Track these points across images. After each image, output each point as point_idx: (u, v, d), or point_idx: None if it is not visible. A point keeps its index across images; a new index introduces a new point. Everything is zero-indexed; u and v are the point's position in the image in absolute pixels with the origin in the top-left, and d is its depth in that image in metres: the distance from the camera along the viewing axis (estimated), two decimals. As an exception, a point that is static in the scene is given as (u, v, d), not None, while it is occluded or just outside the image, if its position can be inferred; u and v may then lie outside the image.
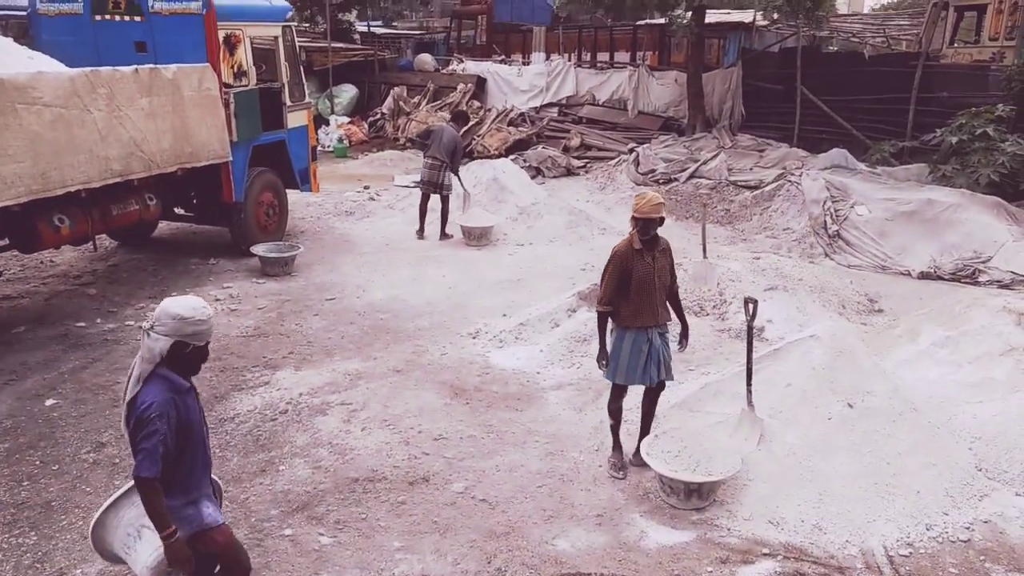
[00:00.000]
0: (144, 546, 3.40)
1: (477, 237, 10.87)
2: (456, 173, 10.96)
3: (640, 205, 5.13)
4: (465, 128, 17.43)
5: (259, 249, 9.55)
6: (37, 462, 5.48)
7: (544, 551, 4.67)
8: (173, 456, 3.26)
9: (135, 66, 7.89)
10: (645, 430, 5.57)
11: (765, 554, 4.67)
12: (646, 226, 5.14)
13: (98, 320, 7.95)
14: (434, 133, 11.01)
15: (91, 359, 7.08)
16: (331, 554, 4.61)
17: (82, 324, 7.83)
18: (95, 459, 5.53)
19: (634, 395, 6.11)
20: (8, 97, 6.52)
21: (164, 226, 10.86)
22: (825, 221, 10.99)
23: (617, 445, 5.57)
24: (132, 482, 3.36)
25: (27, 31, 9.74)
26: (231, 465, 5.50)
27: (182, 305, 3.28)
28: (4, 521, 4.83)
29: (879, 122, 15.37)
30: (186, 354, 3.32)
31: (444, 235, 11.13)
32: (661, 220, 5.16)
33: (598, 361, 5.44)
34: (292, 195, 10.89)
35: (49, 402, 6.30)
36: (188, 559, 3.32)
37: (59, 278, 9.18)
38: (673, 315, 5.47)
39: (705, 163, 13.79)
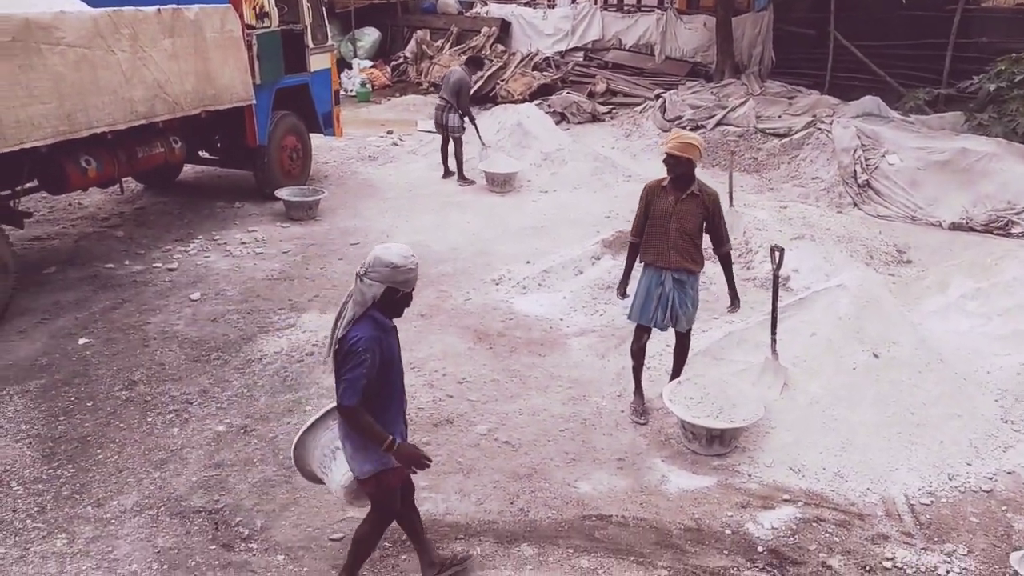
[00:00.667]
0: (339, 466, 3.64)
1: (500, 183, 10.80)
2: (465, 114, 10.81)
3: (668, 139, 5.14)
4: (488, 73, 17.20)
5: (283, 193, 9.57)
6: (72, 398, 5.62)
7: (566, 493, 4.75)
8: (374, 390, 3.42)
9: (157, 6, 7.82)
10: (675, 374, 5.59)
11: (785, 500, 4.72)
12: (669, 160, 5.11)
13: (126, 262, 8.04)
14: (445, 75, 11.07)
15: (121, 300, 7.19)
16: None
17: (111, 266, 7.93)
18: (127, 396, 5.66)
19: (659, 341, 6.13)
20: (33, 37, 6.50)
21: (189, 169, 10.89)
22: (855, 170, 10.78)
23: (639, 389, 5.61)
24: (327, 407, 3.65)
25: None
26: (259, 404, 5.60)
27: (394, 254, 3.40)
28: (43, 454, 4.98)
29: (914, 68, 14.94)
30: (396, 299, 3.47)
31: (461, 179, 11.07)
32: (688, 162, 5.07)
33: (617, 289, 5.57)
34: (315, 139, 10.86)
35: (82, 341, 6.43)
36: (416, 457, 3.52)
37: (87, 220, 9.27)
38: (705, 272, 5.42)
39: (733, 110, 13.51)
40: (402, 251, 3.43)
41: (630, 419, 5.49)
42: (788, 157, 11.93)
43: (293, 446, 3.74)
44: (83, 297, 7.22)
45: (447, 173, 11.26)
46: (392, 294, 3.43)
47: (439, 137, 11.38)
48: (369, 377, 3.36)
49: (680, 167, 5.10)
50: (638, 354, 5.52)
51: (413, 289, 3.53)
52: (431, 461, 3.60)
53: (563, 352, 6.47)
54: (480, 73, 11.38)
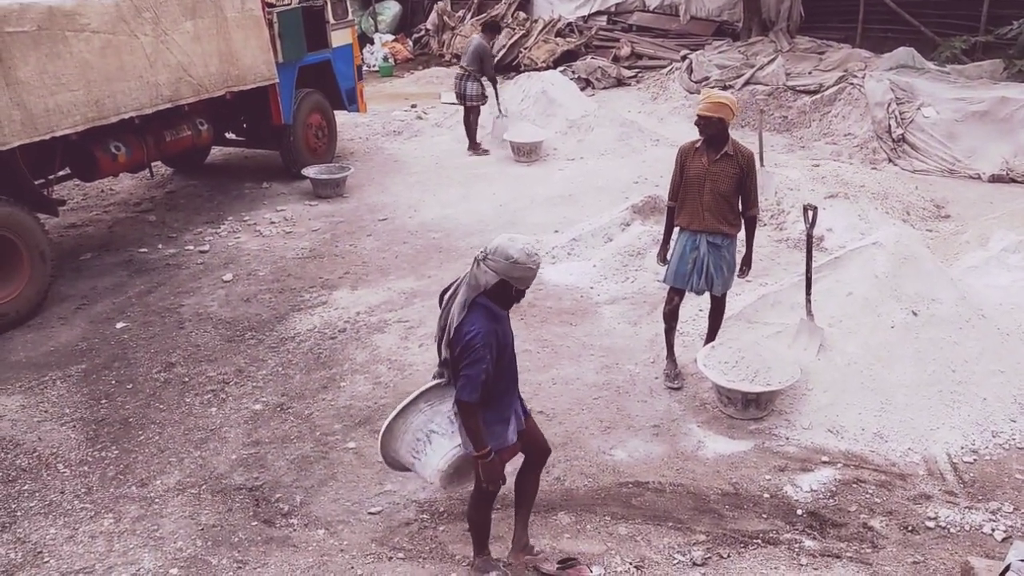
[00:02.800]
0: (435, 450, 3.58)
1: (526, 153, 10.71)
2: (491, 80, 10.71)
3: (700, 100, 5.06)
4: (511, 41, 17.01)
5: (310, 171, 9.59)
6: (113, 381, 5.73)
7: (602, 460, 4.75)
8: (492, 380, 3.39)
9: (178, -11, 7.82)
10: (709, 338, 5.54)
11: (824, 462, 4.67)
12: (700, 122, 5.05)
13: (159, 245, 8.15)
14: (465, 46, 11.00)
15: (155, 283, 7.30)
16: (394, 465, 4.75)
17: (144, 250, 8.04)
18: (166, 378, 5.76)
19: (692, 306, 6.07)
20: (57, 24, 6.55)
21: (216, 151, 10.96)
22: (889, 125, 10.50)
23: (671, 353, 5.56)
24: (418, 390, 3.58)
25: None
26: (294, 382, 5.67)
27: (518, 249, 3.31)
28: (87, 436, 5.09)
29: (950, 16, 14.44)
30: (508, 293, 3.40)
31: (472, 147, 11.02)
32: (720, 121, 4.98)
33: (657, 255, 5.53)
34: (340, 116, 10.84)
35: (119, 325, 6.54)
36: (500, 477, 3.52)
37: (120, 206, 9.40)
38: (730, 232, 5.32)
39: (761, 68, 13.21)
40: (527, 248, 3.33)
41: (664, 384, 5.46)
42: (819, 114, 11.67)
43: (381, 433, 3.63)
44: (119, 282, 7.34)
45: (472, 145, 11.21)
46: (505, 287, 3.35)
47: (463, 109, 11.30)
48: (488, 372, 3.33)
49: (712, 127, 5.01)
50: (670, 317, 5.46)
51: (527, 288, 3.44)
52: (500, 486, 3.59)
53: (595, 320, 6.44)
54: (498, 37, 11.25)
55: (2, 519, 4.37)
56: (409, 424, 3.61)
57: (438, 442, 3.57)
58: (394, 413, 3.61)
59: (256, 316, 6.63)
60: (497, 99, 11.01)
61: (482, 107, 11.01)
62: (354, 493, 4.54)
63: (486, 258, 3.31)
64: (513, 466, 3.85)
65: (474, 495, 3.74)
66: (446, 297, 3.47)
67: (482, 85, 10.74)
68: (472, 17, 19.18)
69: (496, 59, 17.01)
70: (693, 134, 5.20)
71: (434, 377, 3.63)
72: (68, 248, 8.10)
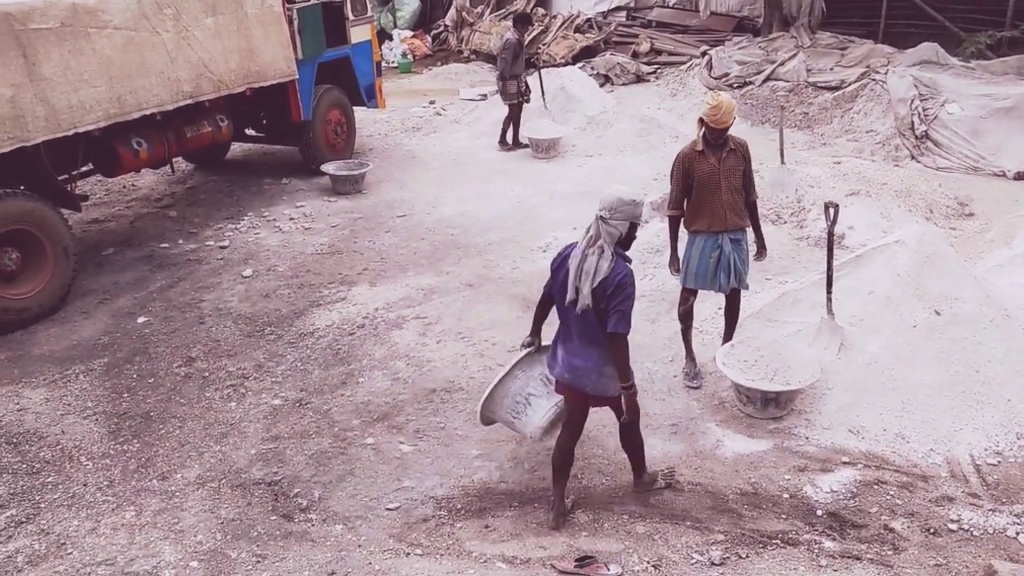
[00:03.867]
0: (534, 410, 4.27)
1: (545, 149, 10.69)
2: (510, 77, 10.63)
3: (708, 112, 4.93)
4: (530, 37, 16.96)
5: (329, 167, 9.63)
6: (134, 376, 5.79)
7: (619, 459, 4.72)
8: None
9: (199, -15, 7.86)
10: (727, 336, 5.50)
11: (845, 463, 4.63)
12: (712, 133, 4.98)
13: (180, 241, 8.21)
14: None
15: (176, 278, 7.35)
16: (412, 461, 4.77)
17: (166, 245, 8.10)
18: (187, 372, 5.80)
19: (711, 304, 6.04)
20: (81, 21, 6.61)
21: (237, 147, 11.03)
22: (912, 121, 10.38)
23: (690, 353, 5.53)
24: (514, 360, 4.36)
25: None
26: (313, 377, 5.70)
27: (629, 193, 3.83)
28: (109, 430, 5.15)
29: (975, 11, 14.23)
30: (632, 234, 3.90)
31: (502, 143, 10.96)
32: (728, 128, 4.98)
33: (669, 267, 5.41)
34: (359, 112, 10.87)
35: (141, 319, 6.60)
36: (638, 408, 4.00)
37: (141, 201, 9.48)
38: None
39: (782, 64, 13.09)
40: (629, 190, 3.87)
41: (683, 383, 5.43)
42: (841, 111, 11.55)
43: (482, 400, 4.33)
44: (140, 277, 7.40)
45: (514, 144, 11.03)
46: (633, 229, 3.87)
47: (482, 105, 11.28)
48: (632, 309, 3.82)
49: (723, 135, 4.99)
50: (686, 317, 5.44)
51: None
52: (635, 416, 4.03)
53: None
54: (531, 28, 11.03)
55: (27, 510, 4.43)
56: (508, 390, 4.30)
57: (536, 403, 4.25)
58: (495, 382, 4.28)
59: (275, 312, 6.66)
60: (536, 87, 10.83)
61: (524, 103, 10.85)
62: (372, 489, 4.56)
63: (612, 215, 3.77)
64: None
65: (626, 428, 4.21)
66: (570, 259, 3.88)
67: (518, 82, 10.65)
68: (491, 13, 19.15)
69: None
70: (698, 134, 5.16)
71: (523, 347, 4.35)
72: (91, 243, 8.18)
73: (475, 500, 4.43)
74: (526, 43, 16.64)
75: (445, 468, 4.71)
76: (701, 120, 5.00)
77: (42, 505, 4.47)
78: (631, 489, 4.46)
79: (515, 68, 10.64)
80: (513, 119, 10.88)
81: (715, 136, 4.99)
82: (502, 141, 11.02)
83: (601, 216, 3.79)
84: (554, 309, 4.11)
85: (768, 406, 5.00)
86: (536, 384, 4.27)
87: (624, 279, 3.76)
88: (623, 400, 3.92)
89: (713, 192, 5.07)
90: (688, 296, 5.39)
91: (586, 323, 3.87)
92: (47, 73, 6.37)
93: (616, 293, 3.74)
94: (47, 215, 6.67)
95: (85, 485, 4.64)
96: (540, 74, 10.89)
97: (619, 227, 3.79)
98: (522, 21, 11.33)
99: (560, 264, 3.97)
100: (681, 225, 5.29)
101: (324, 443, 4.98)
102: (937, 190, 8.65)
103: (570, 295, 3.85)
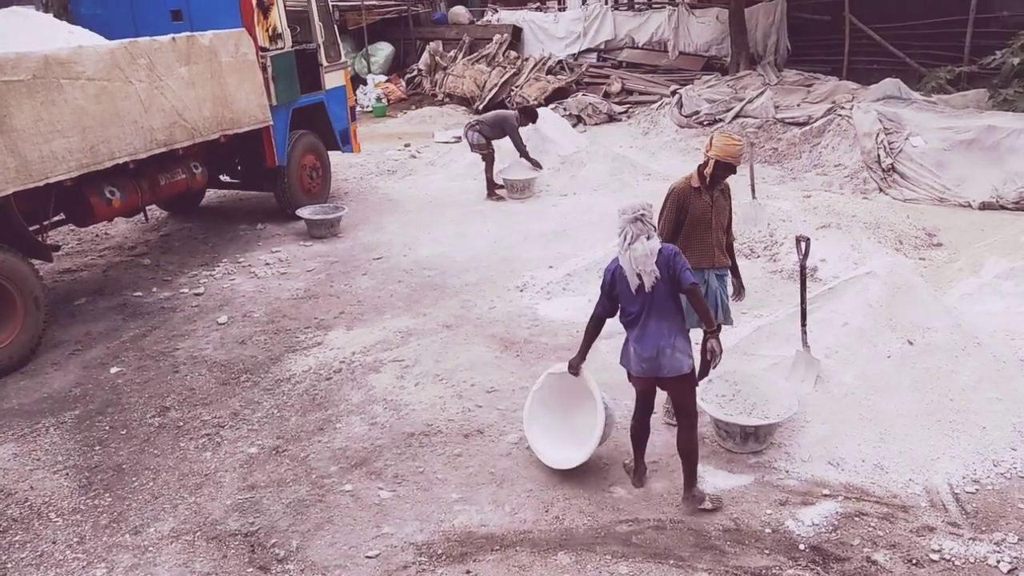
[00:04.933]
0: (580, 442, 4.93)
1: (520, 189, 10.78)
2: (492, 140, 10.69)
3: (725, 145, 4.91)
4: (503, 80, 17.23)
5: (305, 212, 9.63)
6: (106, 427, 5.68)
7: (601, 498, 4.70)
8: None
9: (172, 35, 7.92)
10: (703, 372, 5.50)
11: (825, 495, 4.62)
12: (726, 171, 4.96)
13: (154, 289, 8.14)
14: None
15: (150, 327, 7.27)
16: (391, 507, 4.70)
17: (139, 294, 8.03)
18: (160, 423, 5.71)
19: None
20: (53, 73, 6.61)
21: (212, 194, 11.02)
22: (878, 155, 10.62)
23: None
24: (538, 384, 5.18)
25: (67, 7, 9.82)
26: (290, 424, 5.62)
27: (639, 198, 4.62)
28: (80, 484, 5.03)
29: (934, 48, 14.70)
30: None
31: (491, 194, 10.88)
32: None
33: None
34: (334, 157, 10.92)
35: (114, 370, 6.50)
36: (722, 347, 4.46)
37: (114, 250, 9.41)
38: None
39: (751, 101, 13.39)
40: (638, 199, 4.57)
41: (664, 420, 5.41)
42: (809, 146, 11.80)
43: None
44: (113, 326, 7.31)
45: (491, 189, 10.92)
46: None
47: (456, 147, 11.35)
48: None
49: (731, 172, 5.01)
50: None
51: None
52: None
53: (591, 356, 6.38)
54: (531, 125, 10.85)
55: (-7, 571, 4.30)
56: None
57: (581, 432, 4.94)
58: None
59: (251, 358, 6.60)
60: (531, 162, 10.85)
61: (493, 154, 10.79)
62: (351, 537, 4.48)
63: (642, 214, 4.30)
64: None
65: (684, 430, 4.52)
66: (620, 263, 4.34)
67: (483, 136, 10.59)
68: (464, 56, 19.44)
69: (488, 98, 17.29)
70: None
71: (571, 369, 4.96)
72: (62, 293, 8.08)
73: (456, 545, 4.37)
74: (499, 84, 16.94)
75: (425, 513, 4.64)
76: (717, 160, 4.92)
77: (9, 565, 4.34)
78: (679, 502, 4.59)
79: (494, 132, 10.62)
80: (489, 166, 10.84)
81: (725, 174, 4.97)
82: (491, 193, 10.88)
83: (637, 216, 4.28)
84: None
85: (748, 440, 5.00)
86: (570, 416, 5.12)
87: (674, 249, 4.34)
88: (710, 343, 4.39)
89: (705, 230, 5.10)
90: None
91: (656, 300, 4.32)
92: (18, 125, 6.34)
93: (674, 258, 4.29)
94: (17, 266, 6.60)
95: (54, 543, 4.51)
96: (528, 157, 10.90)
97: (652, 219, 4.36)
98: (526, 115, 10.87)
99: (613, 275, 4.42)
100: None
101: (302, 491, 4.90)
102: (905, 221, 8.82)
103: (634, 282, 4.28)
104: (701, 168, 5.08)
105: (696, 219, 5.09)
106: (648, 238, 4.30)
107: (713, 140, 5.02)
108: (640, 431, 4.77)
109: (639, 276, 4.28)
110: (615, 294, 4.47)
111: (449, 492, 4.82)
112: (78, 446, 5.45)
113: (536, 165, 10.80)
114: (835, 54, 15.97)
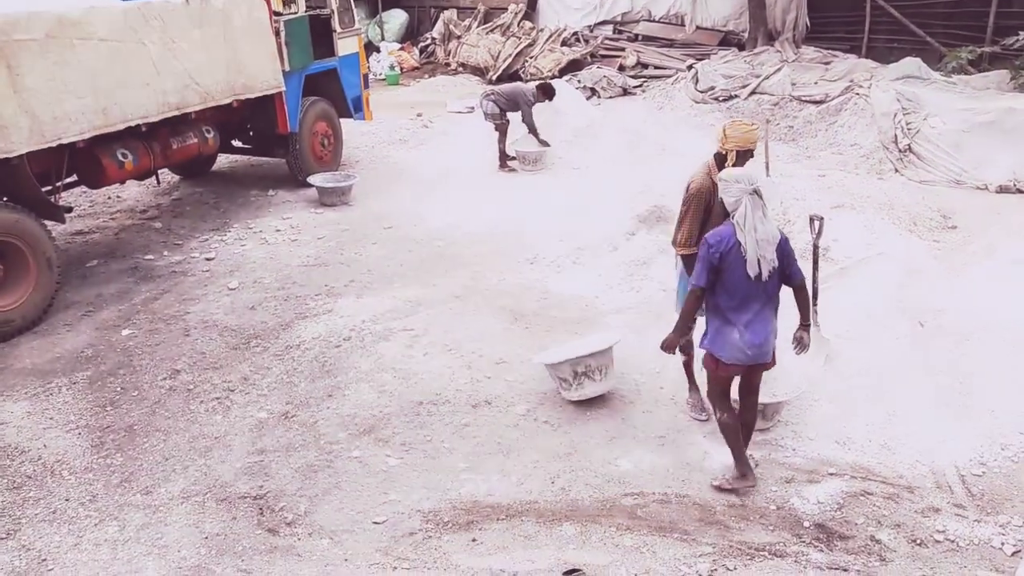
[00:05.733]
0: (585, 389, 5.25)
1: (532, 161, 10.71)
2: (504, 118, 10.59)
3: (744, 134, 4.65)
4: (517, 51, 17.04)
5: (316, 179, 9.61)
6: (118, 388, 5.73)
7: (607, 471, 4.73)
8: None
9: (185, -4, 7.86)
10: None
11: (831, 474, 4.64)
12: (747, 157, 4.70)
13: (165, 252, 8.16)
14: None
15: (161, 290, 7.30)
16: (399, 475, 4.75)
17: (150, 257, 8.05)
18: (171, 385, 5.75)
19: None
20: (66, 33, 6.58)
21: (223, 159, 10.99)
22: (895, 135, 10.49)
23: (693, 384, 5.32)
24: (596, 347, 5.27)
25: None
26: (299, 390, 5.66)
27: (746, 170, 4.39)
28: (92, 443, 5.09)
29: (956, 27, 14.45)
30: None
31: (503, 165, 10.80)
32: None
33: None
34: (346, 124, 10.86)
35: (125, 332, 6.54)
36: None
37: (126, 213, 9.42)
38: None
39: (767, 78, 13.22)
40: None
41: (688, 416, 5.24)
42: (825, 124, 11.67)
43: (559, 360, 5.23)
44: (125, 289, 7.35)
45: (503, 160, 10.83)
46: None
47: (469, 117, 11.26)
48: None
49: (751, 155, 4.76)
50: (687, 346, 5.20)
51: None
52: None
53: (600, 330, 6.41)
54: (547, 101, 10.68)
55: (7, 526, 4.36)
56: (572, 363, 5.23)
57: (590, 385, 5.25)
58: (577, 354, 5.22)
59: (261, 324, 6.63)
60: (540, 141, 10.76)
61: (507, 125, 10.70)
62: (358, 502, 4.52)
63: (758, 187, 4.17)
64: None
65: (756, 402, 4.59)
66: (740, 238, 4.15)
67: (497, 106, 10.49)
68: (479, 26, 19.24)
69: (501, 68, 17.13)
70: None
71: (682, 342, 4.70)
72: (75, 255, 8.12)
73: (462, 513, 4.41)
74: (514, 55, 16.76)
75: (432, 481, 4.69)
76: (726, 152, 4.68)
77: (23, 520, 4.41)
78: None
79: (531, 121, 10.52)
80: (502, 137, 10.76)
81: (746, 161, 4.70)
82: (503, 164, 10.84)
83: (754, 188, 4.14)
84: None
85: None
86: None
87: (785, 237, 4.31)
88: (802, 334, 4.43)
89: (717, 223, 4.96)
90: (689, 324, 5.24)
91: (766, 288, 4.22)
92: (31, 84, 6.32)
93: (786, 247, 4.26)
94: (30, 227, 6.61)
95: (67, 500, 4.58)
96: (537, 135, 10.80)
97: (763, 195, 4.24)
98: (543, 92, 10.66)
99: (724, 251, 4.16)
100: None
101: (310, 456, 4.95)
102: (920, 203, 8.74)
103: (754, 269, 4.13)
104: (719, 159, 4.77)
105: (718, 215, 4.79)
106: (764, 215, 4.16)
107: (727, 131, 4.69)
108: (735, 422, 4.49)
109: (759, 263, 4.13)
110: (720, 269, 4.19)
111: (456, 461, 4.86)
112: (90, 406, 5.50)
113: (543, 144, 10.73)
114: (855, 32, 15.73)
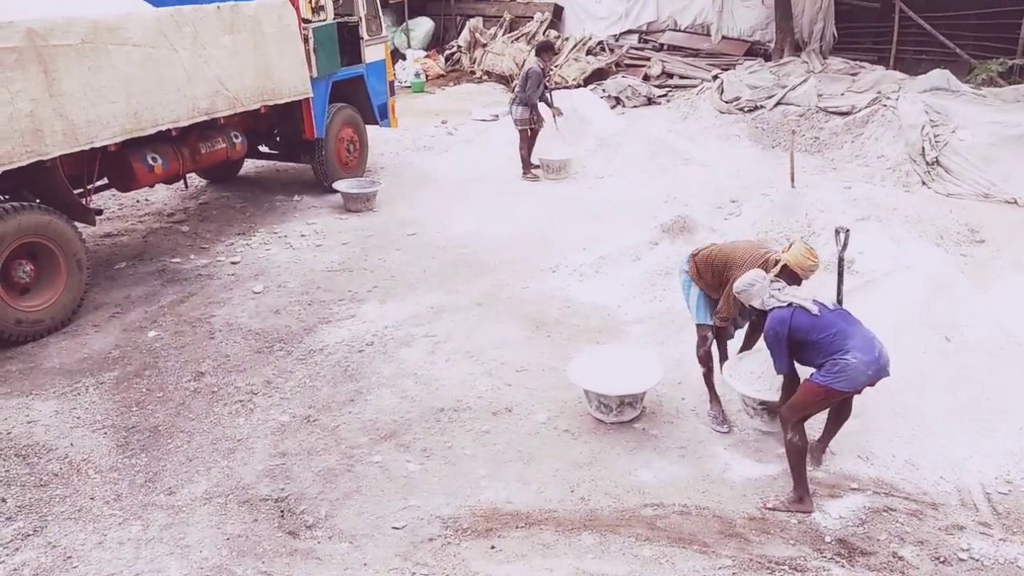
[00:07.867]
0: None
1: (555, 170, 10.74)
2: (528, 103, 10.59)
3: (804, 260, 4.68)
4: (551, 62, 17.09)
5: (341, 185, 9.69)
6: (144, 389, 5.81)
7: (627, 481, 4.71)
8: None
9: (217, 3, 7.98)
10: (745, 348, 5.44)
11: (853, 489, 4.60)
12: (791, 279, 4.66)
13: (192, 256, 8.26)
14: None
15: (187, 293, 7.40)
16: (419, 480, 4.77)
17: (177, 260, 8.16)
18: (196, 387, 5.82)
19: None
20: (101, 38, 6.71)
21: (249, 164, 11.12)
22: (923, 147, 10.39)
23: (714, 396, 5.31)
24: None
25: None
26: (321, 394, 5.71)
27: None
28: (117, 443, 5.16)
29: (986, 39, 14.29)
30: None
31: (526, 171, 10.84)
32: None
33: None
34: (371, 131, 10.95)
35: (151, 334, 6.63)
36: None
37: (154, 216, 9.56)
38: None
39: (793, 89, 13.15)
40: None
41: (710, 428, 5.22)
42: (852, 136, 11.58)
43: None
44: (152, 291, 7.45)
45: (524, 167, 10.86)
46: None
47: (493, 125, 11.32)
48: None
49: (796, 281, 4.71)
50: (706, 358, 5.24)
51: None
52: None
53: (622, 340, 6.41)
54: (555, 57, 10.87)
55: (34, 523, 4.44)
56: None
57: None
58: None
59: (285, 328, 6.69)
60: (554, 119, 10.88)
61: (539, 130, 10.78)
62: (378, 507, 4.55)
63: (770, 280, 4.53)
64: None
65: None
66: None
67: (528, 108, 10.56)
68: (504, 34, 19.33)
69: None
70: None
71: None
72: (103, 257, 8.25)
73: (481, 520, 4.42)
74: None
75: (452, 487, 4.70)
76: (777, 260, 4.73)
77: (49, 518, 4.49)
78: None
79: (532, 96, 10.56)
80: (525, 144, 10.78)
81: (789, 282, 4.64)
82: (526, 172, 10.84)
83: (768, 281, 4.53)
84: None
85: (776, 418, 4.96)
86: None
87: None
88: None
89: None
90: (707, 334, 5.20)
91: (841, 310, 4.55)
92: (67, 88, 6.45)
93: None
94: (62, 228, 6.73)
95: (92, 498, 4.65)
96: (550, 97, 10.87)
97: (775, 278, 4.60)
98: (545, 50, 11.12)
99: (790, 326, 4.38)
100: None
101: (331, 460, 4.98)
102: (948, 216, 8.64)
103: (814, 308, 4.41)
104: (764, 263, 4.78)
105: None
106: (782, 285, 4.50)
107: (794, 246, 4.75)
108: (805, 444, 4.49)
109: (815, 302, 4.42)
110: (798, 338, 4.38)
111: (476, 468, 4.87)
112: (116, 406, 5.59)
113: (557, 112, 10.80)
114: (883, 43, 15.61)
